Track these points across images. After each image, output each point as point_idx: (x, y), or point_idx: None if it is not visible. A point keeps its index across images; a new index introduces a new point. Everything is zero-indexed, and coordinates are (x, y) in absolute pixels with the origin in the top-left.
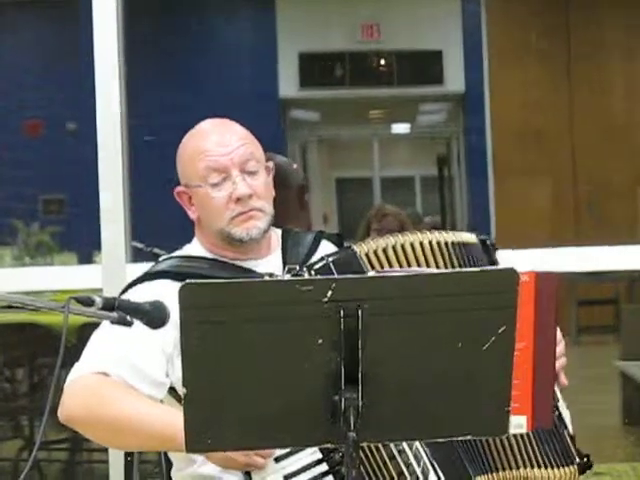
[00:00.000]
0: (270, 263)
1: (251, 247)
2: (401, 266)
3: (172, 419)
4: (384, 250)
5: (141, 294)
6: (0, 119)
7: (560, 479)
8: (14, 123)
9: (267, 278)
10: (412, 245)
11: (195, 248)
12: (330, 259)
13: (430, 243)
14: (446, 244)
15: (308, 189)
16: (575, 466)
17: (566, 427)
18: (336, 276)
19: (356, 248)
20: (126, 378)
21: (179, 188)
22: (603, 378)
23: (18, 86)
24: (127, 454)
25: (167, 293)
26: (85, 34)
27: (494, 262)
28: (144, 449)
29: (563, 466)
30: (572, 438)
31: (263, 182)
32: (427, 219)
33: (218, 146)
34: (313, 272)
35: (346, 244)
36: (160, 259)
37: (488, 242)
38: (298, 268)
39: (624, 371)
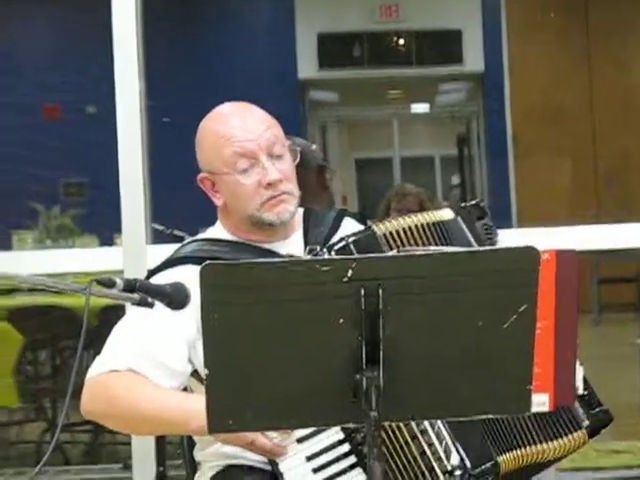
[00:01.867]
0: (292, 244)
1: (279, 230)
2: (422, 245)
3: (186, 406)
4: (404, 230)
5: (165, 281)
6: (20, 103)
7: (568, 447)
8: (34, 106)
9: (288, 259)
10: (431, 225)
11: (218, 231)
12: (350, 240)
13: (437, 223)
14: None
15: (330, 170)
16: (584, 430)
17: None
18: (355, 256)
19: (375, 228)
20: (140, 370)
21: (202, 175)
22: (624, 356)
23: (38, 70)
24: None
25: (189, 279)
26: (104, 17)
27: (475, 233)
28: (160, 434)
29: (570, 433)
30: (582, 397)
31: (289, 164)
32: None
33: (243, 131)
34: (333, 253)
35: (369, 222)
36: (184, 242)
37: (469, 210)
38: (318, 249)
39: None
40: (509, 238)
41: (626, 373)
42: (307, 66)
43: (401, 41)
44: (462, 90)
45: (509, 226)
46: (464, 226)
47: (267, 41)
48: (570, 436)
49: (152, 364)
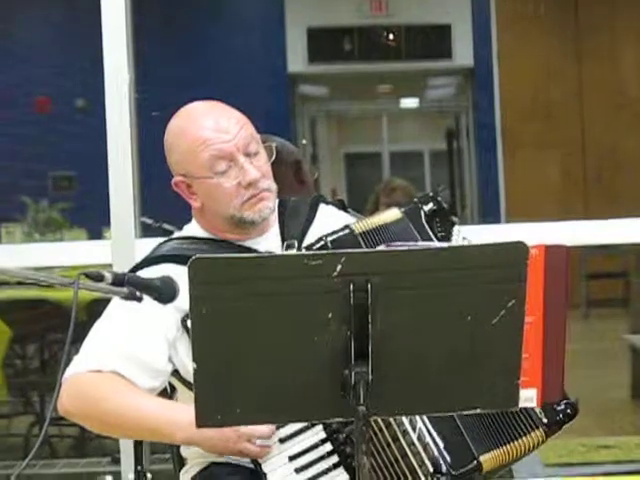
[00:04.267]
0: (269, 240)
1: (258, 227)
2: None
3: (173, 416)
4: (381, 228)
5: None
6: (10, 96)
7: (529, 446)
8: (24, 100)
9: (276, 253)
10: (399, 221)
11: (195, 229)
12: (329, 239)
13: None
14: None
15: (311, 166)
16: (541, 429)
17: None
18: (344, 250)
19: (353, 226)
20: (124, 372)
21: (177, 178)
22: (612, 352)
23: (28, 63)
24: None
25: (174, 276)
26: (94, 10)
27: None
28: (142, 440)
29: (528, 432)
30: None
31: (265, 161)
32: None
33: (219, 133)
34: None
35: (350, 213)
36: (160, 242)
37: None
38: (296, 245)
39: (633, 344)
40: (498, 233)
41: (614, 368)
42: (297, 60)
43: (391, 36)
44: (451, 85)
45: (498, 221)
46: (411, 225)
47: (257, 35)
48: (528, 436)
49: (135, 365)
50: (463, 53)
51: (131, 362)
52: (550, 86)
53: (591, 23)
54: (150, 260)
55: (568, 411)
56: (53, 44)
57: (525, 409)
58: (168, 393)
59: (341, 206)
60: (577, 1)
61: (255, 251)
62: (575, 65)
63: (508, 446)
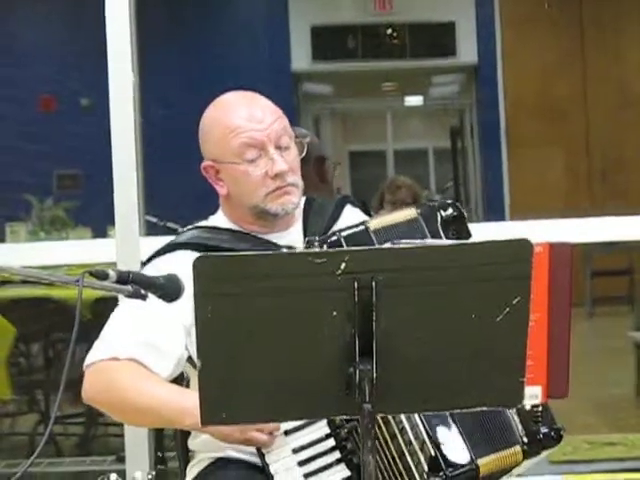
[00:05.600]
0: (292, 235)
1: (281, 220)
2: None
3: (180, 402)
4: (394, 225)
5: (162, 265)
6: (15, 94)
7: (505, 461)
8: (29, 98)
9: (281, 251)
10: (414, 220)
11: (219, 219)
12: (342, 234)
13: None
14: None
15: (331, 162)
16: (518, 447)
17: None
18: (349, 248)
19: (369, 223)
20: (141, 359)
21: (206, 163)
22: (617, 349)
23: (32, 61)
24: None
25: (187, 264)
26: (98, 9)
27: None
28: (157, 427)
29: (507, 448)
30: (529, 412)
31: (295, 157)
32: (426, 192)
33: (252, 122)
34: (325, 246)
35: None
36: (184, 229)
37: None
38: (317, 240)
39: (638, 342)
40: (502, 231)
41: (619, 366)
42: (301, 58)
43: (395, 34)
44: (455, 82)
45: (502, 218)
46: (425, 227)
47: (261, 33)
48: (508, 450)
49: (152, 352)
50: (467, 51)
51: (148, 349)
52: (554, 83)
53: (595, 20)
54: (171, 246)
55: (552, 435)
56: (58, 43)
57: (510, 424)
58: (185, 381)
59: (364, 209)
60: None
61: (276, 245)
62: (579, 62)
63: (503, 452)
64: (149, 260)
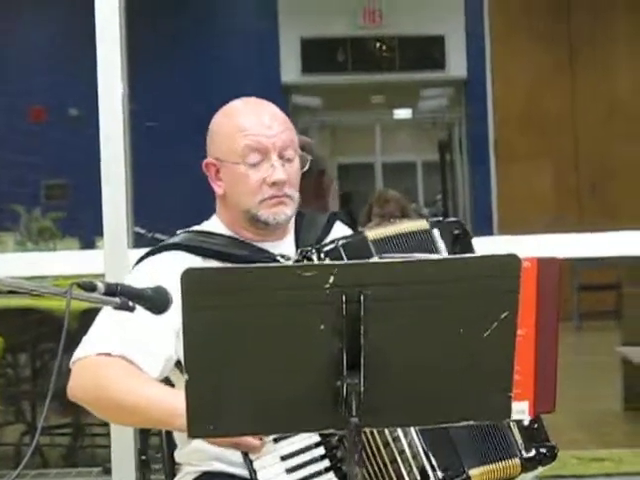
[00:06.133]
0: (285, 245)
1: (272, 231)
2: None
3: (171, 403)
4: (394, 237)
5: (154, 265)
6: (4, 105)
7: (507, 471)
8: (18, 109)
9: (269, 264)
10: (419, 232)
11: (213, 224)
12: (340, 242)
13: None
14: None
15: (328, 177)
16: (517, 459)
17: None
18: (337, 262)
19: (367, 233)
20: (131, 357)
21: (209, 160)
22: (604, 363)
23: (22, 73)
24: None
25: (179, 264)
26: (89, 21)
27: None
28: (143, 427)
29: (510, 458)
30: (527, 429)
31: (296, 170)
32: (413, 205)
33: (262, 127)
34: (322, 254)
35: (359, 229)
36: (177, 232)
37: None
38: (308, 249)
39: (625, 356)
40: (490, 245)
41: (606, 381)
42: (290, 71)
43: (384, 47)
44: (444, 96)
45: (490, 232)
46: (439, 238)
47: (251, 45)
48: (506, 462)
49: (143, 351)
50: (456, 64)
51: (137, 347)
52: (543, 97)
53: (584, 34)
54: (164, 247)
55: (548, 452)
56: (48, 54)
57: (509, 436)
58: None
59: (353, 225)
60: (570, 13)
61: (269, 253)
62: (568, 76)
63: (495, 465)
64: (142, 259)
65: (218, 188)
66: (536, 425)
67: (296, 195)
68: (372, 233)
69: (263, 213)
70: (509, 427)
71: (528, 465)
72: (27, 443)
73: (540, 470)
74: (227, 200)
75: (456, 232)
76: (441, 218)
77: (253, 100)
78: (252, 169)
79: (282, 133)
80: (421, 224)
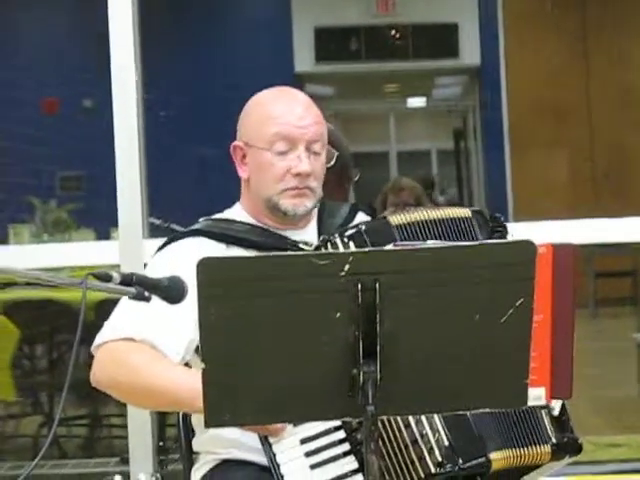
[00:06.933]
0: (307, 234)
1: (291, 221)
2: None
3: (196, 385)
4: (418, 223)
5: (175, 253)
6: (18, 97)
7: (535, 457)
8: (31, 101)
9: (284, 253)
10: (442, 221)
11: (236, 212)
12: (363, 227)
13: (452, 220)
14: (459, 220)
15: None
16: (548, 446)
17: (547, 408)
18: (353, 250)
19: (390, 218)
20: (154, 342)
21: (237, 143)
22: (621, 350)
23: (35, 64)
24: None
25: (202, 250)
26: (102, 11)
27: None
28: (165, 410)
29: (538, 444)
30: (557, 419)
31: (321, 165)
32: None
33: (294, 117)
34: (345, 238)
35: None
36: (200, 220)
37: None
38: (331, 236)
39: None
40: None
41: (623, 367)
42: (304, 60)
43: (398, 35)
44: (458, 84)
45: (505, 220)
46: (477, 227)
47: (264, 34)
48: (538, 447)
49: (164, 336)
50: (470, 52)
51: (161, 333)
52: (557, 85)
53: (598, 21)
54: (186, 233)
55: (575, 444)
56: (60, 45)
57: (540, 423)
58: None
59: (373, 216)
60: (585, 0)
61: (290, 240)
62: (583, 63)
63: (520, 450)
64: (164, 245)
65: (243, 172)
66: (564, 417)
67: (319, 189)
68: (395, 219)
69: (283, 203)
70: (541, 415)
71: (558, 453)
72: (45, 434)
73: (567, 461)
74: (250, 185)
75: (493, 225)
76: (482, 210)
77: (289, 90)
78: (278, 157)
79: (313, 126)
80: (464, 212)
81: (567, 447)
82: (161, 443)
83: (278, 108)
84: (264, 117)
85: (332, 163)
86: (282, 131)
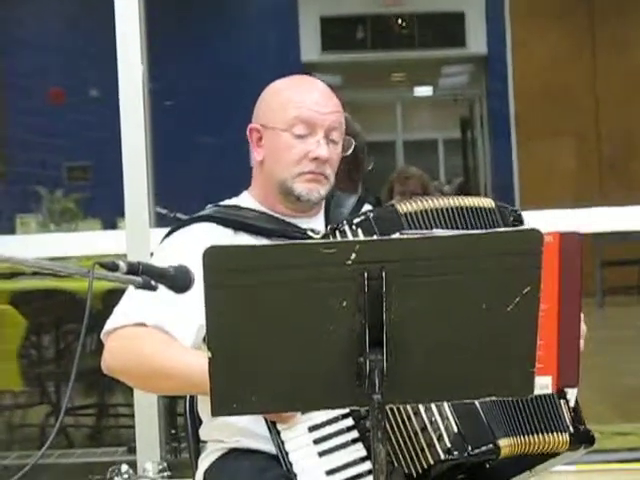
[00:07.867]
0: (316, 222)
1: (303, 207)
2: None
3: (202, 365)
4: (427, 212)
5: (183, 239)
6: (24, 87)
7: (550, 445)
8: (38, 90)
9: (290, 241)
10: (451, 210)
11: (244, 199)
12: (371, 214)
13: (468, 209)
14: (480, 209)
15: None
16: (567, 435)
17: (565, 399)
18: (360, 238)
19: (398, 207)
20: (165, 327)
21: (253, 125)
22: (628, 339)
23: (41, 53)
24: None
25: (210, 236)
26: (108, 1)
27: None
28: (177, 393)
29: (553, 432)
30: (573, 410)
31: (338, 154)
32: (446, 188)
33: (315, 103)
34: (354, 226)
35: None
36: (208, 206)
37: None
38: (339, 224)
39: None
40: None
41: (630, 356)
42: (310, 49)
43: (404, 24)
44: (465, 73)
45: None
46: (499, 218)
47: (270, 24)
48: (553, 435)
49: (175, 321)
50: (477, 41)
51: (172, 318)
52: (564, 73)
53: (605, 9)
54: (194, 219)
55: (588, 435)
56: (66, 34)
57: (558, 411)
58: None
59: (378, 205)
60: None
61: (299, 228)
62: (589, 52)
63: (530, 437)
64: (172, 231)
65: (257, 155)
66: (578, 409)
67: (333, 177)
68: (403, 207)
69: (298, 186)
70: (560, 404)
71: (576, 442)
72: (52, 424)
73: (582, 452)
74: (264, 168)
75: (512, 219)
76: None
77: (309, 78)
78: (297, 140)
79: (333, 114)
80: (488, 202)
81: (582, 437)
82: (173, 431)
83: (299, 93)
84: (285, 101)
85: (349, 152)
86: (303, 114)
